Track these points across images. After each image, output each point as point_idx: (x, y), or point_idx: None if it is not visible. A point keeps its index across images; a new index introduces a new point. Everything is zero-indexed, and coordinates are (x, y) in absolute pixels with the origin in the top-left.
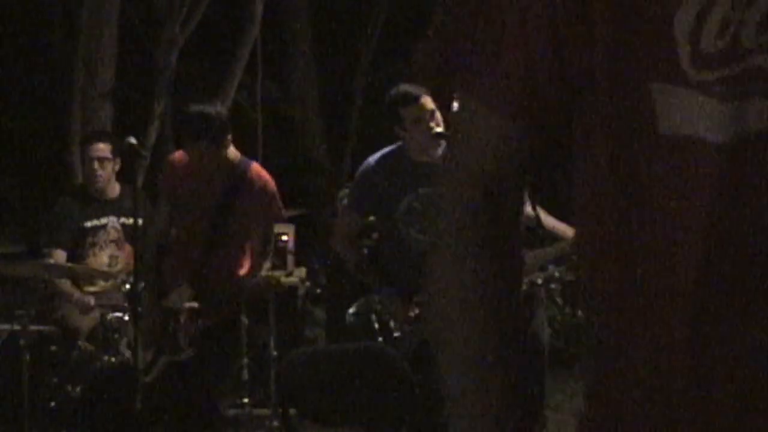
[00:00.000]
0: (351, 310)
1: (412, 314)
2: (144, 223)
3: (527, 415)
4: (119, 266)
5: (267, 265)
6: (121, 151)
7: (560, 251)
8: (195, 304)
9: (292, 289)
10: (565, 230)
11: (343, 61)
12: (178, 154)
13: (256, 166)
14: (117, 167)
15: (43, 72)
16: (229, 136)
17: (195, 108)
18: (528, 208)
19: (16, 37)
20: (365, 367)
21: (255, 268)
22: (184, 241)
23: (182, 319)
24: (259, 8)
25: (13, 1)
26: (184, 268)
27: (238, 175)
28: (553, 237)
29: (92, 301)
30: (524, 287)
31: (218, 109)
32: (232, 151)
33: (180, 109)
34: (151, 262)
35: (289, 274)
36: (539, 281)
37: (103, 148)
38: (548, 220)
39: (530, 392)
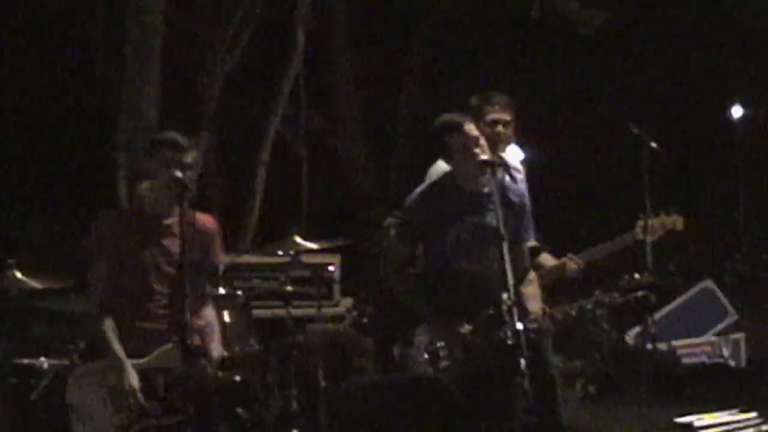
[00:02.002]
0: (400, 340)
1: (462, 341)
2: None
3: None
4: None
5: (211, 312)
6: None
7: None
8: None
9: (339, 318)
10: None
11: (387, 90)
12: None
13: (199, 215)
14: None
15: (87, 110)
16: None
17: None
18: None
19: (62, 73)
20: (416, 397)
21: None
22: (154, 298)
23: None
24: (301, 39)
25: (58, 38)
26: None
27: (193, 225)
28: None
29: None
30: (573, 311)
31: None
32: None
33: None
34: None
35: (336, 304)
36: (588, 306)
37: None
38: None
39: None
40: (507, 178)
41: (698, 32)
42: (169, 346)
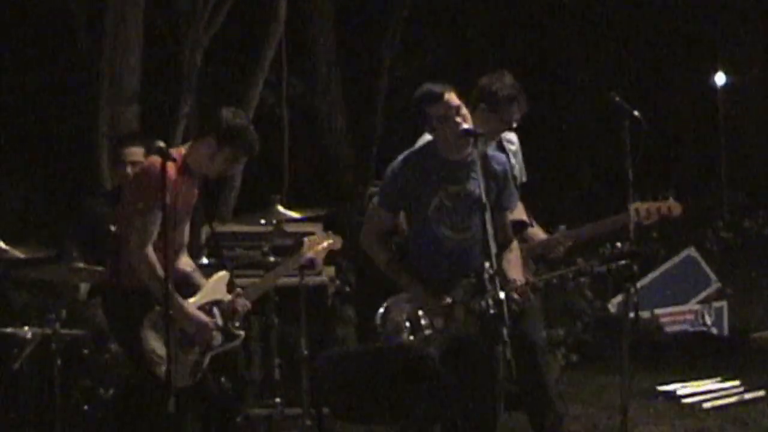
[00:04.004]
0: (381, 309)
1: (443, 311)
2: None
3: None
4: None
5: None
6: (151, 154)
7: (608, 226)
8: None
9: (322, 288)
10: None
11: (367, 58)
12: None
13: None
14: None
15: (68, 77)
16: None
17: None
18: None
19: (42, 43)
20: (397, 366)
21: None
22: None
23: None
24: (283, 7)
25: (39, 7)
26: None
27: None
28: None
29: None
30: (554, 280)
31: None
32: None
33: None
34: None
35: (319, 273)
36: (570, 275)
37: (136, 152)
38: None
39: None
40: (490, 146)
41: None
42: (215, 277)
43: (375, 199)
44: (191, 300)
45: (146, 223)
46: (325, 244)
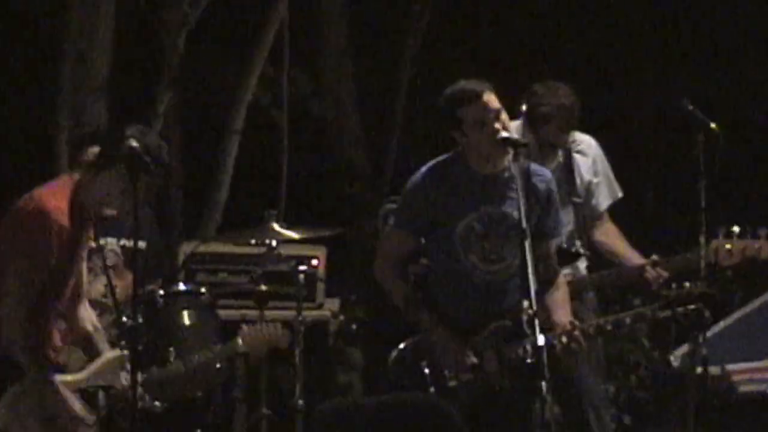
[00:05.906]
0: (395, 353)
1: (469, 359)
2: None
3: None
4: (118, 297)
5: None
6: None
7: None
8: None
9: (323, 324)
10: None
11: (386, 49)
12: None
13: None
14: None
15: (25, 60)
16: None
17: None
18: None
19: None
20: (412, 424)
21: None
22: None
23: None
24: None
25: None
26: None
27: None
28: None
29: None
30: (608, 326)
31: None
32: None
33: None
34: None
35: (319, 307)
36: (627, 321)
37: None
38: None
39: None
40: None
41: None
42: (108, 356)
43: (390, 220)
44: (71, 377)
45: (24, 283)
46: (267, 337)
